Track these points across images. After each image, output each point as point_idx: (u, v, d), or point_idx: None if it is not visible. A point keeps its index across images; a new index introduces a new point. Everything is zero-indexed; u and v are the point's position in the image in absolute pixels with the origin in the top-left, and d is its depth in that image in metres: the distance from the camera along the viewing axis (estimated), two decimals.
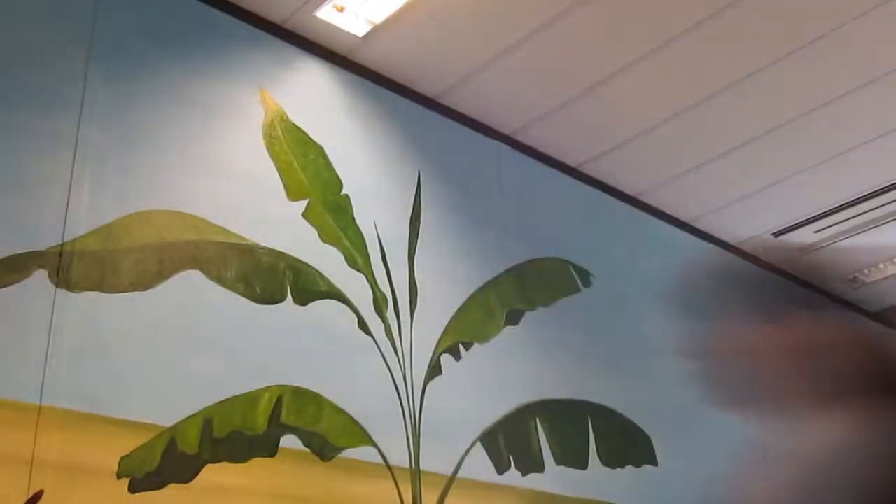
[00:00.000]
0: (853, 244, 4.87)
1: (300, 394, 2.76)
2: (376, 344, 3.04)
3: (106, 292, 2.47)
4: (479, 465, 3.15)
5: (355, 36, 3.28)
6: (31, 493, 2.15)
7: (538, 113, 3.76)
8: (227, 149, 2.92)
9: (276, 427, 2.67)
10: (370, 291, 3.09)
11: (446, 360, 3.22)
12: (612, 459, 3.59)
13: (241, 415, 2.61)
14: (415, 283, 3.24)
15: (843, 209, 4.55)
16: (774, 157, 4.11)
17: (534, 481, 3.29)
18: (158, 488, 2.38)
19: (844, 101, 3.76)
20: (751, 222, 4.65)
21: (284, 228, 2.93)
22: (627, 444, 3.70)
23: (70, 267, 2.40)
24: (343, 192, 3.16)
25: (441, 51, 3.41)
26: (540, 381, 3.49)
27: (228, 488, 2.51)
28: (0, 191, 2.36)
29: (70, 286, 2.39)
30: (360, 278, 3.08)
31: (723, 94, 3.68)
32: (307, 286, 2.91)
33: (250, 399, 2.65)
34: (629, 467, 3.66)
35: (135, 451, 2.37)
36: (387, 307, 3.11)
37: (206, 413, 2.53)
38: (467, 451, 3.13)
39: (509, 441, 3.25)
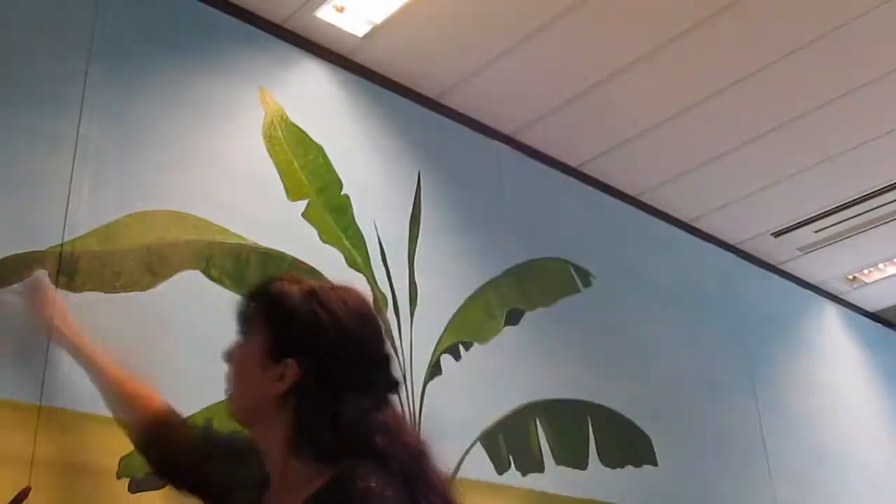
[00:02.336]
0: (853, 244, 4.87)
1: None
2: None
3: (106, 292, 2.46)
4: (479, 465, 3.14)
5: (355, 36, 3.28)
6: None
7: (538, 113, 3.76)
8: (227, 149, 2.92)
9: None
10: (370, 291, 3.09)
11: (446, 360, 3.22)
12: (612, 459, 3.59)
13: None
14: (415, 283, 3.24)
15: (843, 209, 4.55)
16: (775, 156, 4.11)
17: (534, 481, 3.29)
18: (158, 488, 2.38)
19: (844, 101, 3.76)
20: (751, 222, 4.65)
21: (284, 228, 2.93)
22: (627, 444, 3.70)
23: (70, 267, 2.40)
24: (343, 192, 3.16)
25: (441, 51, 3.41)
26: (540, 381, 3.49)
27: None
28: (0, 191, 2.36)
29: (70, 286, 2.39)
30: (360, 278, 3.07)
31: (723, 94, 3.68)
32: None
33: None
34: (629, 467, 3.66)
35: (135, 452, 2.36)
36: (387, 307, 3.11)
37: (206, 413, 2.53)
38: (467, 451, 3.12)
39: (509, 441, 3.25)
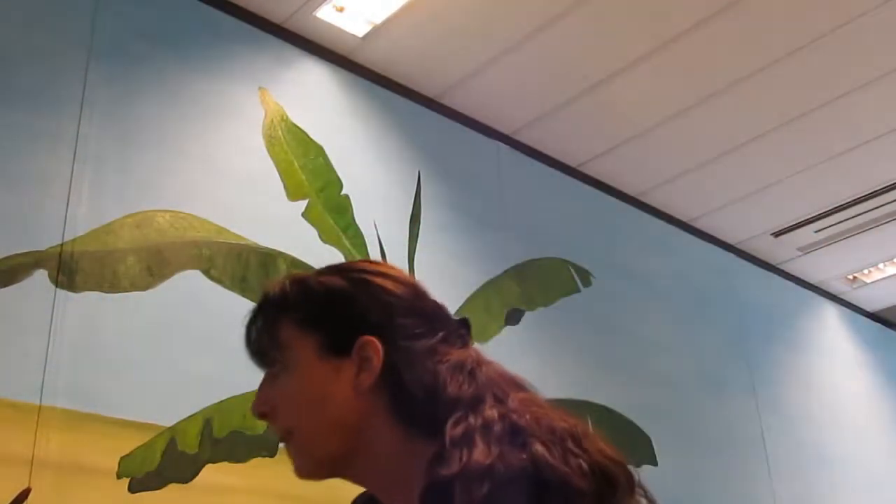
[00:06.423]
0: (853, 244, 4.87)
1: None
2: None
3: (106, 292, 2.46)
4: None
5: (355, 36, 3.28)
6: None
7: (538, 113, 3.76)
8: (227, 149, 2.92)
9: None
10: None
11: None
12: None
13: (241, 415, 2.61)
14: None
15: (843, 209, 4.55)
16: (775, 156, 4.11)
17: None
18: (158, 488, 2.38)
19: (844, 101, 3.76)
20: (751, 222, 4.65)
21: (284, 228, 2.93)
22: (627, 444, 3.69)
23: (70, 267, 2.40)
24: (343, 192, 3.16)
25: (441, 51, 3.41)
26: (540, 381, 3.44)
27: (228, 488, 2.51)
28: (0, 190, 2.36)
29: (70, 286, 2.39)
30: None
31: (723, 94, 3.68)
32: None
33: (250, 399, 2.64)
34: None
35: (135, 451, 2.37)
36: None
37: (206, 413, 2.53)
38: None
39: None
